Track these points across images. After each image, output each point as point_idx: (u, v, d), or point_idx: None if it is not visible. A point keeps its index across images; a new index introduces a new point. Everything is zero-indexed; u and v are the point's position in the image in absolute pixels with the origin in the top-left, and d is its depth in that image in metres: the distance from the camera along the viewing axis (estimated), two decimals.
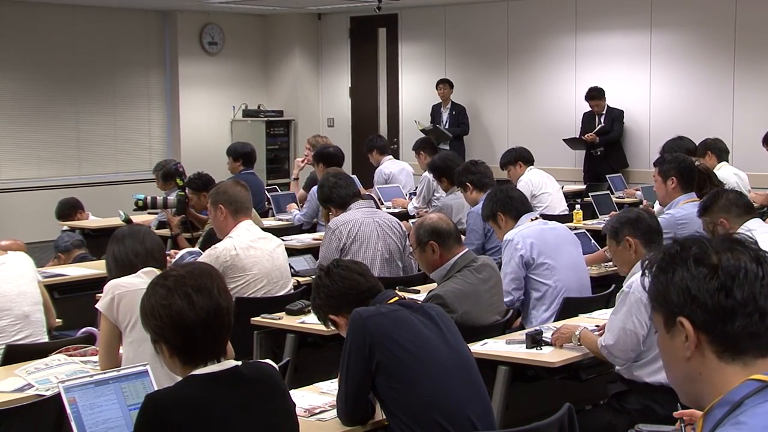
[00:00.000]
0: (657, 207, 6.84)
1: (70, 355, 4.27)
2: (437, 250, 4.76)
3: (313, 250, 6.90)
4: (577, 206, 8.65)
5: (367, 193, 8.09)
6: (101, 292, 4.06)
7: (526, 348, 4.38)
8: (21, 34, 12.26)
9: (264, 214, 8.66)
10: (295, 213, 8.58)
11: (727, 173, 8.24)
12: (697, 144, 8.72)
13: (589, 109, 11.58)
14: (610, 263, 5.95)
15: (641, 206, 8.63)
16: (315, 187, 7.50)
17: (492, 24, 12.68)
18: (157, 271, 3.76)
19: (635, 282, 4.22)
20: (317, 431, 3.45)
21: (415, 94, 13.41)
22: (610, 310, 4.47)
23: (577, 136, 11.62)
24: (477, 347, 4.32)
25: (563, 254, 5.53)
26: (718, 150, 8.69)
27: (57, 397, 3.27)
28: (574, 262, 5.62)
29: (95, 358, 4.15)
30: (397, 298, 3.64)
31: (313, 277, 3.97)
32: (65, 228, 8.32)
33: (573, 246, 5.73)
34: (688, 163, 6.48)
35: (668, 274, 1.76)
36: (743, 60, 10.85)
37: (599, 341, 4.26)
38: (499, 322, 4.90)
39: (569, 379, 4.46)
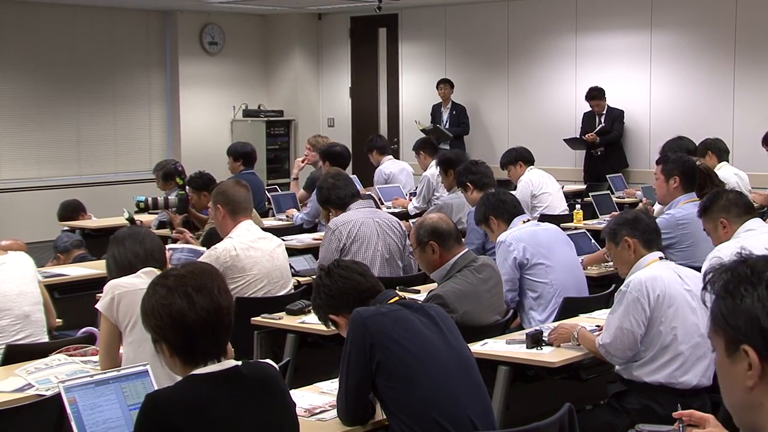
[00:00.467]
0: (657, 206, 6.85)
1: (71, 355, 4.26)
2: (437, 250, 4.76)
3: (313, 250, 6.90)
4: (578, 206, 8.64)
5: (367, 193, 8.09)
6: (101, 292, 4.06)
7: (527, 348, 4.39)
8: (21, 34, 12.25)
9: (264, 214, 8.66)
10: (296, 213, 8.59)
11: (727, 173, 8.23)
12: (697, 144, 8.72)
13: (590, 109, 11.58)
14: (611, 263, 5.95)
15: (640, 204, 8.64)
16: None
17: (492, 24, 12.68)
18: (157, 272, 3.76)
19: (633, 281, 4.23)
20: (317, 431, 3.45)
21: (416, 94, 13.40)
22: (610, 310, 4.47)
23: (578, 136, 11.62)
24: (477, 347, 4.32)
25: (558, 254, 5.53)
26: (719, 150, 8.69)
27: (57, 397, 3.27)
28: (569, 261, 5.63)
29: (95, 358, 4.15)
30: (397, 298, 3.64)
31: (314, 277, 3.98)
32: (65, 228, 8.32)
33: (567, 246, 5.73)
34: (691, 164, 6.49)
35: (736, 299, 1.65)
36: (743, 60, 10.84)
37: (597, 340, 4.27)
38: (500, 322, 4.90)
39: (569, 379, 4.46)
